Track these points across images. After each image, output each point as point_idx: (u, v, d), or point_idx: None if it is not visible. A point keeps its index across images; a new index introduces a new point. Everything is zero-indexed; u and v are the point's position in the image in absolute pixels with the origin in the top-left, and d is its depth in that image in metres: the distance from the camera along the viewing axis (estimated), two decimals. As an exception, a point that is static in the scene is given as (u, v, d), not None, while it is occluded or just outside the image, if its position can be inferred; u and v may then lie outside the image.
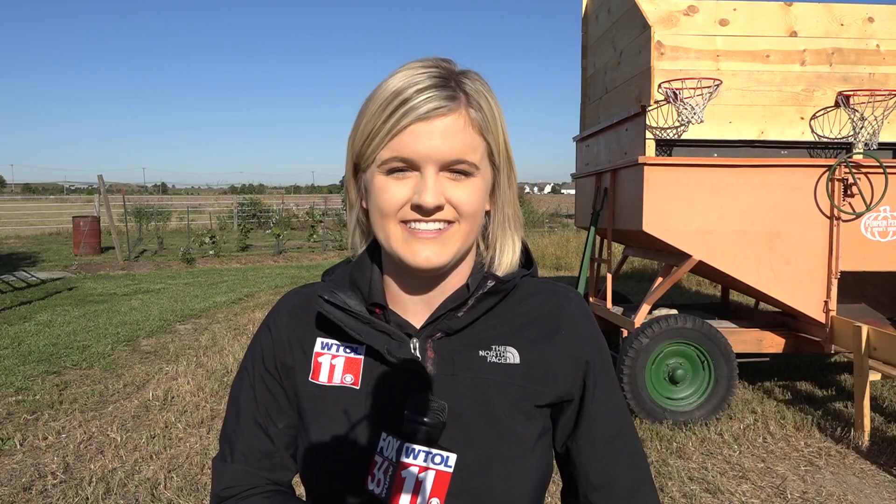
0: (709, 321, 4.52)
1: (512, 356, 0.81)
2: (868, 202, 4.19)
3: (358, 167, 0.80)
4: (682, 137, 4.37)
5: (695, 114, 4.15)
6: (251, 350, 0.90)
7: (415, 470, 0.76)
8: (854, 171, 4.19)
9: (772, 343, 4.61)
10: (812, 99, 4.41)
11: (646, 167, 4.24)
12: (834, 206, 4.22)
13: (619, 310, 5.03)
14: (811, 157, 4.49)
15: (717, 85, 4.15)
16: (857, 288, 4.88)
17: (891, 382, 5.01)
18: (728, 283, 5.06)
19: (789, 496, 3.26)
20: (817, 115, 4.42)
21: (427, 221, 0.75)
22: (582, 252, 5.55)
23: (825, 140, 4.44)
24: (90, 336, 6.79)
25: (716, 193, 4.24)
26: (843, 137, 4.42)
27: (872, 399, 4.52)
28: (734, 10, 4.48)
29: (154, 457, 3.69)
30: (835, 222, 4.25)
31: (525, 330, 0.83)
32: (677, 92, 4.15)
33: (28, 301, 8.98)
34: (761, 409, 4.49)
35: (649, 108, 4.36)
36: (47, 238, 21.62)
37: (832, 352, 4.39)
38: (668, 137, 4.41)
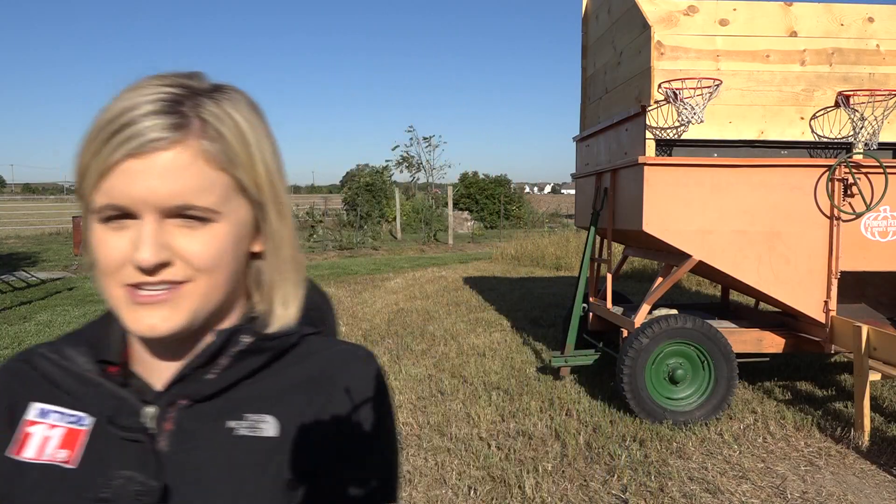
0: (709, 321, 4.52)
1: (268, 427, 0.66)
2: (868, 202, 4.19)
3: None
4: (682, 137, 4.37)
5: (695, 114, 4.15)
6: None
7: None
8: (854, 171, 4.19)
9: (772, 343, 4.61)
10: (812, 99, 4.41)
11: (646, 167, 4.24)
12: (834, 206, 4.22)
13: (619, 310, 5.03)
14: (811, 157, 4.49)
15: (717, 85, 4.15)
16: (857, 288, 4.88)
17: (891, 382, 5.01)
18: (728, 283, 5.06)
19: (789, 496, 3.26)
20: (817, 115, 4.42)
21: (153, 283, 0.61)
22: (582, 252, 5.56)
23: (825, 140, 4.44)
24: (90, 336, 6.79)
25: (716, 193, 4.24)
26: (843, 137, 4.42)
27: (872, 399, 4.52)
28: (734, 10, 4.48)
29: (154, 457, 3.69)
30: (835, 222, 4.25)
31: (290, 395, 0.69)
32: (677, 92, 4.15)
33: (28, 301, 8.98)
34: (761, 409, 4.49)
35: (649, 108, 4.36)
36: (47, 238, 21.63)
37: (832, 352, 4.39)
38: (668, 137, 4.41)
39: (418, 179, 31.26)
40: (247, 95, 0.69)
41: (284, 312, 0.71)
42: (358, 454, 0.69)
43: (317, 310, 0.78)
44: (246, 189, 0.66)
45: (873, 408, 4.40)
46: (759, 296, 4.65)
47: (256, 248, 0.70)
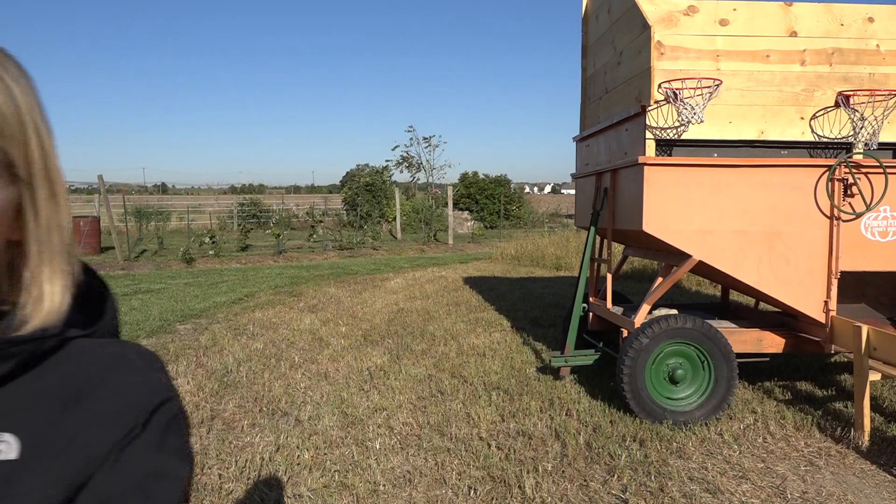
0: (709, 321, 4.52)
1: (8, 449, 0.55)
2: (868, 202, 4.19)
3: None
4: (682, 137, 4.37)
5: (695, 114, 4.15)
6: None
7: None
8: (854, 171, 4.19)
9: (772, 343, 4.61)
10: (812, 99, 4.41)
11: (646, 167, 4.24)
12: (834, 206, 4.23)
13: (619, 310, 5.03)
14: (811, 157, 4.49)
15: (717, 85, 4.15)
16: (857, 288, 4.88)
17: (891, 382, 5.01)
18: (728, 283, 5.06)
19: (789, 496, 3.26)
20: (817, 115, 4.42)
21: None
22: (582, 252, 5.56)
23: (825, 140, 4.44)
24: (90, 336, 6.78)
25: (716, 193, 4.25)
26: (843, 137, 4.42)
27: (872, 399, 4.52)
28: (734, 10, 4.48)
29: (154, 457, 3.68)
30: (835, 222, 4.25)
31: (39, 409, 0.57)
32: (677, 92, 4.16)
33: None
34: (761, 409, 4.49)
35: (649, 108, 4.36)
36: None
37: (832, 352, 4.39)
38: (668, 137, 4.41)
39: (418, 179, 31.28)
40: (15, 59, 0.58)
41: (45, 311, 0.58)
42: (123, 480, 0.57)
43: (92, 306, 0.65)
44: (13, 165, 0.55)
45: (873, 408, 4.40)
46: (759, 296, 4.65)
47: (17, 235, 0.58)
